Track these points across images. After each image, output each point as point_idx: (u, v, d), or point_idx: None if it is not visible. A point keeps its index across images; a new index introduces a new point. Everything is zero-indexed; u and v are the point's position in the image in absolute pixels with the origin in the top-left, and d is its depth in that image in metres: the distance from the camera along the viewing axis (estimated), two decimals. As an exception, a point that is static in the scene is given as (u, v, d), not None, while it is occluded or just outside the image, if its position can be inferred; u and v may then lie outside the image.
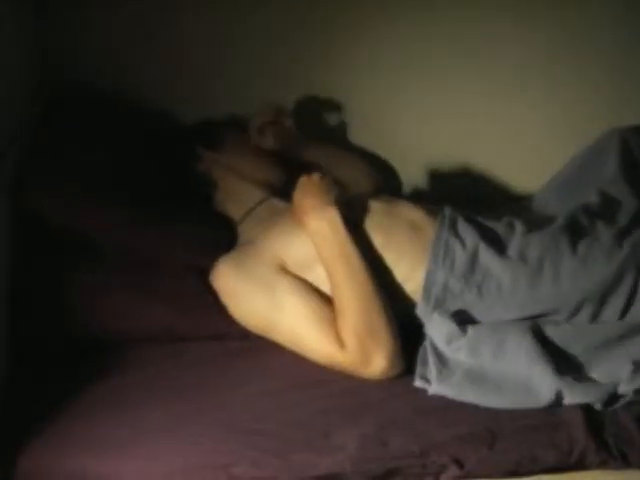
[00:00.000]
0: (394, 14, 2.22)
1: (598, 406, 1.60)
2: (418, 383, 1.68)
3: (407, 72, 2.27)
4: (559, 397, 1.61)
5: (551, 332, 1.73)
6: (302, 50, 2.23)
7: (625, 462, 1.51)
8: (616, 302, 1.75)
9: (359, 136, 2.31)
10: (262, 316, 1.79)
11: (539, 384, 1.63)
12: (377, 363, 1.70)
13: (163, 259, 1.89)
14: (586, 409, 1.59)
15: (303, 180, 1.88)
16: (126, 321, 1.81)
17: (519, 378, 1.65)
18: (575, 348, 1.70)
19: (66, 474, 1.51)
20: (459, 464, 1.51)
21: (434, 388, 1.66)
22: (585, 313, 1.76)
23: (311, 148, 2.21)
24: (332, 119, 2.30)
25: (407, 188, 2.33)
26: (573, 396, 1.61)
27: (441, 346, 1.73)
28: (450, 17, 2.23)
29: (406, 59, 2.26)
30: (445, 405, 1.63)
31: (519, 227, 1.86)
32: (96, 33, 2.16)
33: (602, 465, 1.51)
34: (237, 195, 2.02)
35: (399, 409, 1.62)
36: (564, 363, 1.67)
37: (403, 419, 1.59)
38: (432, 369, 1.69)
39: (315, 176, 1.88)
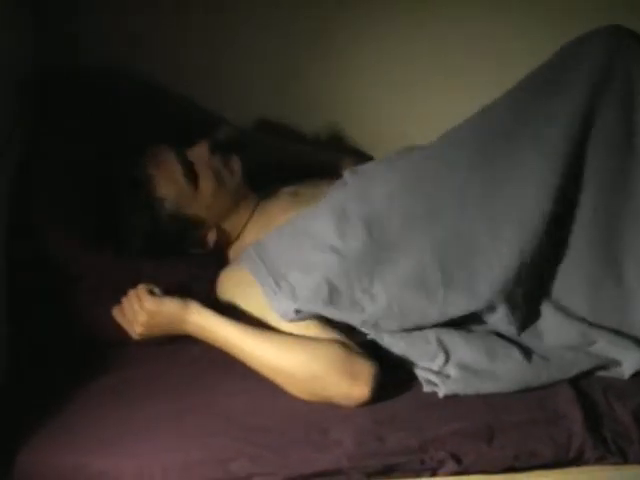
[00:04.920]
0: (383, 16, 2.22)
1: None
2: (427, 388, 1.66)
3: (393, 74, 2.27)
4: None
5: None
6: (296, 52, 2.23)
7: (623, 457, 1.52)
8: None
9: (348, 138, 2.31)
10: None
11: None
12: (347, 404, 1.61)
13: (165, 270, 1.87)
14: (584, 404, 1.59)
15: (130, 297, 1.72)
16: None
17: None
18: None
19: (66, 471, 1.50)
20: (457, 459, 1.51)
21: (443, 390, 1.63)
22: None
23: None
24: (322, 121, 2.30)
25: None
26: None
27: (420, 363, 1.69)
28: (438, 16, 2.23)
29: (392, 62, 2.26)
30: (443, 400, 1.63)
31: None
32: (97, 32, 2.15)
33: (600, 460, 1.52)
34: (228, 213, 1.93)
35: (396, 405, 1.62)
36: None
37: (400, 414, 1.59)
38: (430, 376, 1.66)
39: (141, 292, 1.72)
